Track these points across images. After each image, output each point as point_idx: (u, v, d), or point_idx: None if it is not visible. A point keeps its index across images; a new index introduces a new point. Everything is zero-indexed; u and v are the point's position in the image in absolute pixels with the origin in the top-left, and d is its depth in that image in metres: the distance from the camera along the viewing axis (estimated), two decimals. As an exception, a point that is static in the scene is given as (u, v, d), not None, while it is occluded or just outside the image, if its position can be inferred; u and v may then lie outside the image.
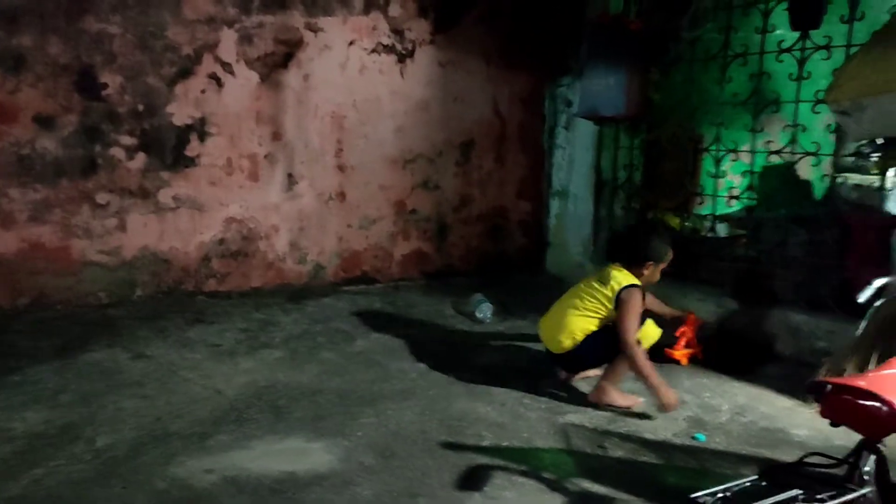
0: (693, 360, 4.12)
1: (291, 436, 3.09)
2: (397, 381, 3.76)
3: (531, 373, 3.92)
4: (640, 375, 3.45)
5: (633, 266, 3.69)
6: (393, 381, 3.75)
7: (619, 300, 3.56)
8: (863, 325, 3.26)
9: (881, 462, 1.88)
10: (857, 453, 1.87)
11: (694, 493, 1.82)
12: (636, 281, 3.63)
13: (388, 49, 5.45)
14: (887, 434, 1.82)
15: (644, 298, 3.66)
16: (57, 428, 3.10)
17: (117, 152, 4.74)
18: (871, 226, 4.06)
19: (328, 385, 3.66)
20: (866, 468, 1.84)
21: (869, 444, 1.86)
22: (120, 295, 4.87)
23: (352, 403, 3.44)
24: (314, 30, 5.18)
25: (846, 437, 3.15)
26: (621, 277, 3.63)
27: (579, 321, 3.65)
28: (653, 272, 3.73)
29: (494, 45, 5.83)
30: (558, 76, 5.93)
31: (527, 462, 2.94)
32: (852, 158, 4.57)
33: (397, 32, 5.48)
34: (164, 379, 3.69)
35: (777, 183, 4.96)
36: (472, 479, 2.78)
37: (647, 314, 3.80)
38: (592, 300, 3.66)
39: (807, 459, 1.85)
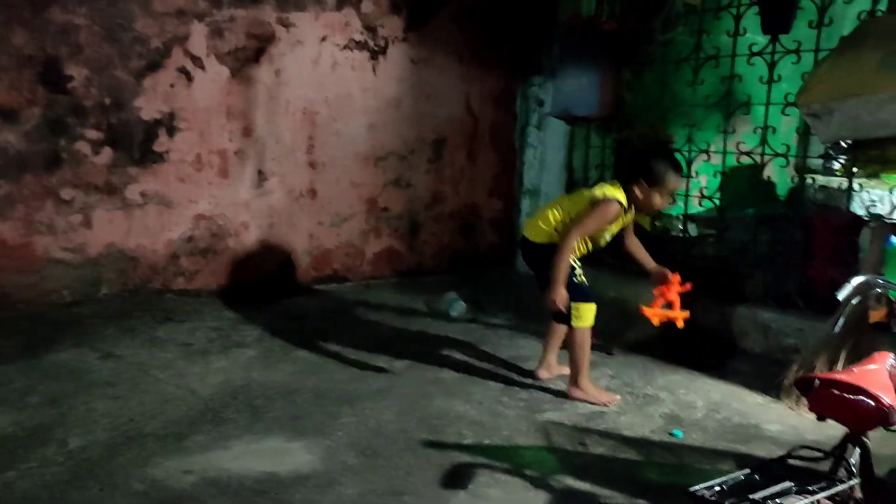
0: (670, 334, 3.78)
1: (270, 435, 3.05)
2: (374, 380, 3.73)
3: (507, 371, 3.93)
4: (553, 269, 3.34)
5: (625, 182, 3.44)
6: (369, 380, 3.73)
7: (592, 205, 3.39)
8: (840, 322, 3.34)
9: (865, 455, 1.92)
10: (842, 446, 1.91)
11: (681, 487, 1.85)
12: (622, 199, 3.41)
13: (361, 45, 5.41)
14: (872, 428, 1.87)
15: (622, 221, 3.51)
16: (27, 430, 3.01)
17: (83, 147, 4.62)
18: (834, 226, 4.16)
19: (304, 384, 3.62)
20: (852, 461, 1.87)
21: (854, 438, 1.90)
22: (84, 293, 4.75)
23: (330, 402, 3.41)
24: (286, 25, 5.11)
25: (816, 431, 3.26)
26: (609, 189, 3.44)
27: (558, 214, 3.52)
28: (647, 196, 3.43)
29: (467, 43, 5.82)
30: (530, 75, 5.96)
31: (509, 460, 2.95)
32: (819, 160, 4.68)
33: (370, 29, 5.44)
34: (135, 379, 3.61)
35: (743, 184, 5.06)
36: (457, 478, 2.77)
37: (627, 259, 3.70)
38: (575, 201, 3.54)
39: (795, 453, 1.87)
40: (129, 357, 3.89)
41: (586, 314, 3.54)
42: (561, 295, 3.37)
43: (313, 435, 3.06)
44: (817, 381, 1.89)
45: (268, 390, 3.52)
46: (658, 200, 3.48)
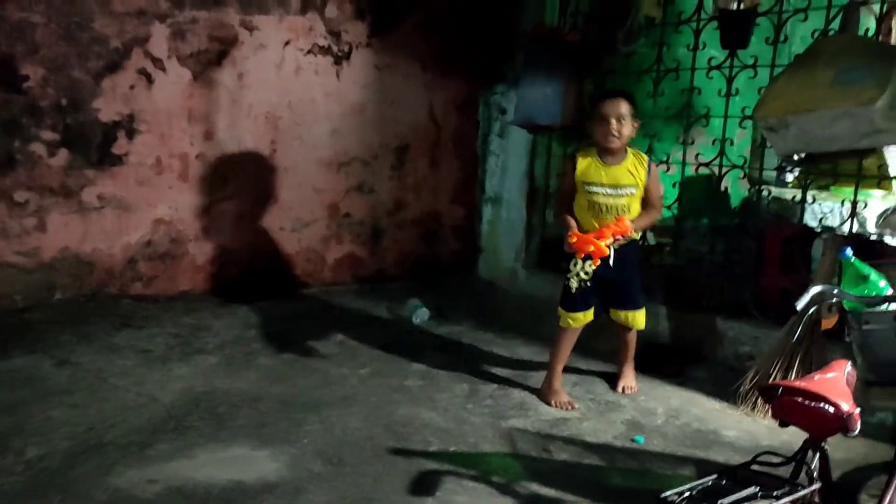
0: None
1: (235, 443, 3.02)
2: (338, 388, 3.72)
3: (471, 377, 3.95)
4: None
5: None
6: (334, 388, 3.71)
7: None
8: (798, 330, 3.44)
9: (824, 460, 1.99)
10: (803, 452, 1.98)
11: (645, 492, 1.90)
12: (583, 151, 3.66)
13: (325, 50, 5.39)
14: (832, 434, 1.94)
15: (592, 174, 3.56)
16: (-19, 439, 2.93)
17: (38, 148, 4.51)
18: (784, 236, 4.29)
19: (269, 391, 3.59)
20: (812, 466, 1.94)
21: (814, 444, 1.97)
22: (38, 298, 4.63)
23: (295, 410, 3.39)
24: (249, 28, 5.07)
25: (771, 437, 3.36)
26: None
27: None
28: (594, 131, 3.62)
29: (431, 50, 5.85)
30: (493, 84, 5.99)
31: (475, 466, 2.97)
32: (773, 172, 4.82)
33: (334, 34, 5.42)
34: (93, 386, 3.54)
35: (699, 194, 5.17)
36: (424, 485, 2.79)
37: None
38: None
39: (759, 459, 1.93)
40: (87, 364, 3.81)
41: (561, 317, 3.77)
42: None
43: (279, 443, 3.04)
44: (780, 389, 1.95)
45: (231, 398, 3.48)
46: (598, 130, 3.58)
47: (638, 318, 3.83)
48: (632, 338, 3.91)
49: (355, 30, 5.51)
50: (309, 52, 5.33)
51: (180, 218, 5.02)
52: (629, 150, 3.66)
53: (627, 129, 3.58)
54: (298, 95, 5.33)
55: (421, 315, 4.87)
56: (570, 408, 3.63)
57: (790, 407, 1.94)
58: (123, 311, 4.69)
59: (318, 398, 3.55)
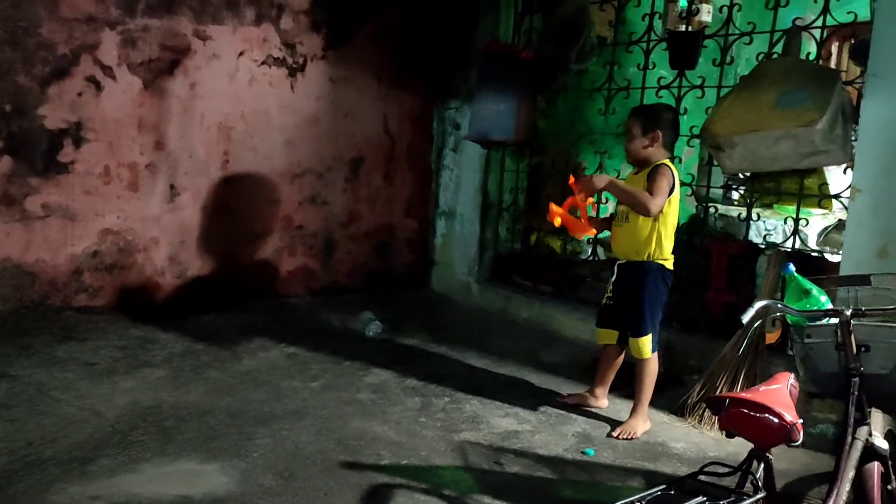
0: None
1: (183, 457, 2.96)
2: (289, 401, 3.67)
3: (424, 390, 3.95)
4: None
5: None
6: (285, 401, 3.67)
7: None
8: (744, 343, 3.53)
9: (769, 470, 2.04)
10: (748, 462, 2.02)
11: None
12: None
13: (279, 62, 5.37)
14: (776, 444, 1.98)
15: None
16: (-89, 456, 2.81)
17: (-21, 155, 4.39)
18: (728, 252, 4.40)
19: (218, 405, 3.52)
20: (758, 475, 1.98)
21: (759, 454, 2.01)
22: (-25, 309, 4.48)
23: (245, 423, 3.33)
24: (203, 38, 5.02)
25: (717, 448, 3.43)
26: None
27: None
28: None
29: (386, 64, 5.87)
30: (447, 99, 6.05)
31: (427, 480, 2.96)
32: (720, 190, 4.95)
33: (289, 46, 5.40)
34: (32, 400, 3.42)
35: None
36: (376, 498, 2.77)
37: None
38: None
39: (706, 469, 1.97)
40: (26, 377, 3.69)
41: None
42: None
43: (228, 457, 2.99)
44: (727, 401, 1.99)
45: (179, 411, 3.40)
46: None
47: (636, 346, 3.59)
48: (638, 370, 3.65)
49: (310, 42, 5.49)
50: (263, 63, 5.30)
51: (129, 228, 4.92)
52: (658, 162, 3.49)
53: (633, 143, 3.56)
54: (252, 106, 5.29)
55: (374, 328, 4.85)
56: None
57: (736, 418, 1.98)
58: (67, 323, 4.56)
59: (268, 411, 3.50)
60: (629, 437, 3.53)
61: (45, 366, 3.86)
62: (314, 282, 5.80)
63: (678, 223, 3.65)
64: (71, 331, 4.43)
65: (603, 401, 3.89)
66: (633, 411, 3.65)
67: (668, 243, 3.53)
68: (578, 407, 3.86)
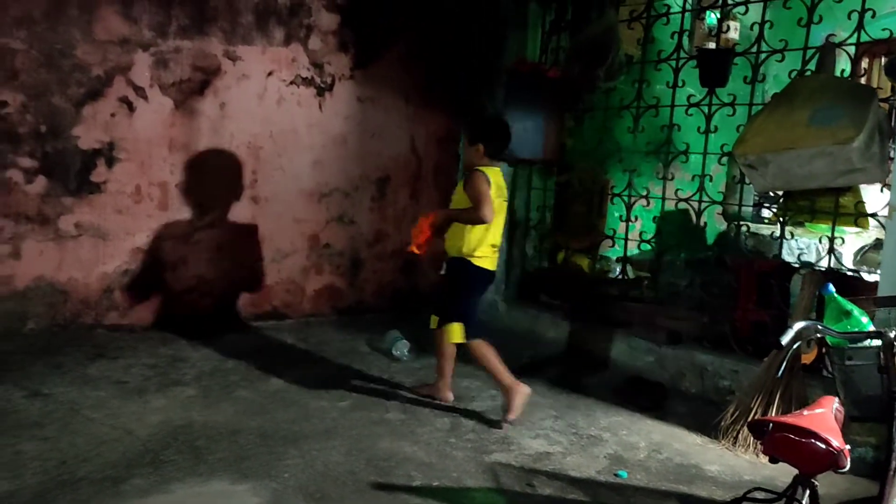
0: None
1: (214, 478, 2.95)
2: (318, 421, 3.66)
3: (453, 411, 3.92)
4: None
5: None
6: (314, 421, 3.66)
7: None
8: (782, 366, 3.46)
9: (814, 496, 1.99)
10: (793, 488, 1.98)
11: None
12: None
13: (308, 82, 5.41)
14: (822, 470, 1.94)
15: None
16: (-53, 474, 2.83)
17: (15, 174, 4.44)
18: (758, 271, 4.35)
19: (248, 424, 3.52)
20: (803, 502, 1.94)
21: (804, 480, 1.97)
22: (9, 328, 4.52)
23: (275, 444, 3.32)
24: (232, 58, 5.07)
25: (753, 472, 3.36)
26: None
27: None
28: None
29: (413, 84, 5.89)
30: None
31: (459, 501, 2.94)
32: (751, 208, 4.90)
33: (317, 66, 5.45)
34: (65, 419, 3.44)
35: (676, 229, 5.24)
36: (408, 521, 2.74)
37: None
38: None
39: (749, 495, 1.92)
40: (59, 396, 3.71)
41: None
42: None
43: (259, 477, 2.98)
44: (770, 425, 1.95)
45: (210, 430, 3.40)
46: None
47: (448, 331, 3.93)
48: (438, 342, 4.04)
49: (338, 62, 5.54)
50: (292, 83, 5.35)
51: (159, 247, 4.95)
52: (475, 169, 3.80)
53: (464, 153, 4.09)
54: (280, 126, 5.33)
55: (401, 347, 4.83)
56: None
57: (781, 443, 1.94)
58: (98, 341, 4.60)
59: (297, 431, 3.49)
60: (511, 420, 3.78)
61: (77, 384, 3.88)
62: (341, 301, 5.81)
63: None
64: (102, 349, 4.46)
65: (449, 394, 4.10)
66: (505, 393, 3.88)
67: (481, 244, 3.83)
68: (431, 399, 4.08)
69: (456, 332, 3.89)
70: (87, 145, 4.64)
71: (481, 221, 3.70)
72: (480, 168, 3.78)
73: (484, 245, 3.83)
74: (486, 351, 3.87)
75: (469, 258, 3.85)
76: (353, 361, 4.68)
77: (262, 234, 5.36)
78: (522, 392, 3.80)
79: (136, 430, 3.36)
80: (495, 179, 3.82)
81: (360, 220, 5.82)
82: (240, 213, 5.25)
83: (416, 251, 3.87)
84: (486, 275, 3.92)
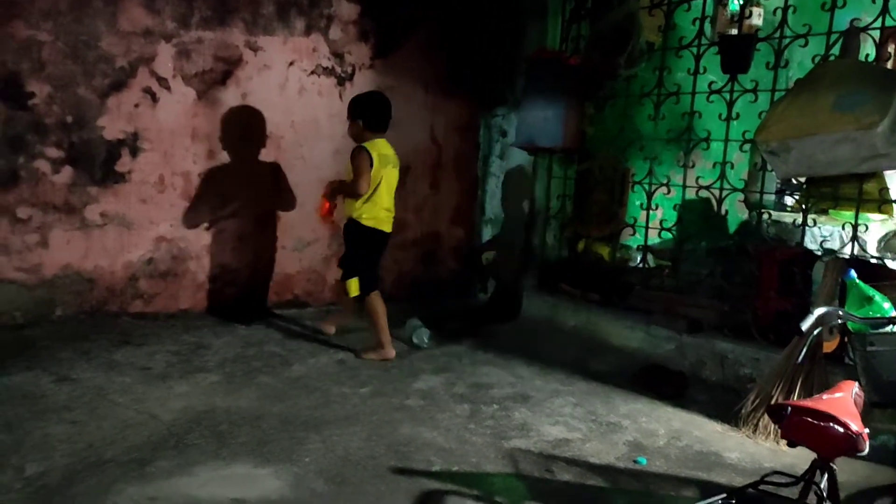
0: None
1: (237, 461, 3.00)
2: (339, 407, 3.70)
3: (472, 397, 3.94)
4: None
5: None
6: (335, 406, 3.70)
7: None
8: (802, 351, 3.44)
9: (833, 480, 1.99)
10: (812, 472, 1.98)
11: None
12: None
13: (328, 71, 5.44)
14: (841, 454, 1.94)
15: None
16: (-21, 455, 2.91)
17: (42, 165, 4.52)
18: (780, 259, 4.31)
19: (270, 410, 3.57)
20: (822, 486, 1.93)
21: (823, 464, 1.96)
22: (38, 315, 4.61)
23: (296, 429, 3.37)
24: (254, 48, 5.11)
25: (773, 459, 3.35)
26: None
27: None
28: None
29: (433, 73, 5.90)
30: (494, 106, 6.06)
31: (478, 487, 2.95)
32: (773, 196, 4.85)
33: (337, 55, 5.47)
34: (92, 403, 3.51)
35: (697, 217, 5.21)
36: (427, 505, 2.77)
37: None
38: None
39: (767, 478, 1.92)
40: (86, 381, 3.79)
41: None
42: None
43: (281, 461, 3.02)
44: (789, 409, 1.95)
45: (232, 416, 3.46)
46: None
47: (347, 285, 4.47)
48: (346, 301, 4.66)
49: (359, 51, 5.56)
50: (312, 72, 5.38)
51: (182, 236, 5.02)
52: (358, 146, 4.33)
53: (349, 129, 4.45)
54: (301, 115, 5.36)
55: (421, 335, 4.86)
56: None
57: (799, 427, 1.94)
58: (123, 328, 4.68)
59: (319, 417, 3.53)
60: (368, 359, 4.46)
61: (103, 370, 3.96)
62: (361, 289, 5.83)
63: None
64: (128, 336, 4.54)
65: (331, 328, 4.91)
66: (337, 317, 4.86)
67: (372, 206, 4.36)
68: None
69: (353, 287, 4.43)
70: (111, 136, 4.70)
71: (357, 194, 4.27)
72: (364, 144, 4.29)
73: (375, 208, 4.36)
74: (377, 305, 4.47)
75: (359, 220, 4.38)
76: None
77: (284, 222, 5.41)
78: (386, 354, 4.49)
79: (160, 414, 3.42)
80: (379, 151, 4.32)
81: (381, 210, 5.84)
82: (261, 202, 5.30)
83: (321, 217, 4.53)
84: (377, 235, 4.46)
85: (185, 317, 5.01)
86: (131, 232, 4.84)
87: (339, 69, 5.49)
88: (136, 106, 4.75)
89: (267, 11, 5.12)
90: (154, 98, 4.81)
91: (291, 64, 5.29)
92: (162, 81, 4.82)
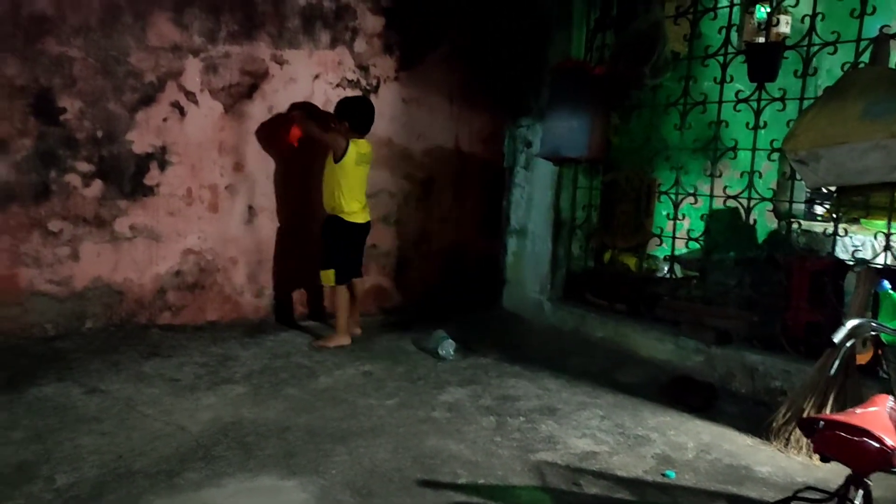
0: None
1: (264, 473, 3.01)
2: (365, 418, 3.70)
3: (499, 410, 3.92)
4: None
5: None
6: (361, 418, 3.70)
7: None
8: (835, 364, 3.38)
9: (868, 496, 1.95)
10: (846, 487, 1.94)
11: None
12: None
13: (353, 84, 5.47)
14: (875, 469, 1.89)
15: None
16: (11, 466, 2.95)
17: (73, 179, 4.59)
18: (811, 269, 4.24)
19: (296, 422, 3.58)
20: (856, 502, 1.89)
21: (857, 479, 1.92)
22: (68, 327, 4.68)
23: (322, 440, 3.38)
24: (280, 62, 5.16)
25: (805, 473, 3.29)
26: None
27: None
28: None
29: (457, 84, 5.92)
30: (518, 117, 6.04)
31: (504, 500, 2.94)
32: (802, 205, 4.78)
33: (362, 68, 5.51)
34: (122, 415, 3.55)
35: (725, 227, 5.15)
36: (454, 518, 2.75)
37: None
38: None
39: (800, 494, 1.89)
40: (115, 392, 3.83)
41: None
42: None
43: (308, 473, 3.03)
44: (821, 423, 1.91)
45: (259, 427, 3.47)
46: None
47: (323, 276, 4.91)
48: (331, 297, 5.10)
49: (383, 64, 5.59)
50: (338, 85, 5.41)
51: (209, 248, 5.08)
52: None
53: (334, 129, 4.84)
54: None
55: (447, 346, 4.84)
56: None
57: (832, 441, 1.90)
58: (152, 340, 4.73)
59: (345, 429, 3.54)
60: (319, 347, 4.82)
61: (132, 381, 4.00)
62: (387, 300, 5.86)
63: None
64: (156, 348, 4.58)
65: (356, 329, 5.20)
66: (335, 329, 4.98)
67: (350, 202, 4.80)
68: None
69: (329, 277, 4.86)
70: (140, 149, 4.77)
71: (331, 145, 4.77)
72: (350, 140, 4.74)
73: (353, 203, 4.80)
74: (343, 297, 4.92)
75: (340, 216, 4.79)
76: (400, 360, 4.72)
77: (310, 234, 5.43)
78: (342, 341, 4.89)
79: (188, 426, 3.45)
80: (360, 150, 4.80)
81: (406, 221, 5.87)
82: (287, 214, 5.33)
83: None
84: (356, 228, 4.88)
85: (212, 328, 5.06)
86: (159, 244, 4.90)
87: (364, 82, 5.52)
88: (165, 120, 4.82)
89: (293, 25, 5.18)
90: (182, 112, 4.87)
91: (317, 77, 5.33)
92: (190, 95, 4.88)
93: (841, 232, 4.19)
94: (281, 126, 5.03)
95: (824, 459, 2.00)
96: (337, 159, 4.74)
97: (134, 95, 4.71)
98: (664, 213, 5.19)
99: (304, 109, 5.16)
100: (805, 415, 3.48)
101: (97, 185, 4.66)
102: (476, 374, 4.53)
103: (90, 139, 4.61)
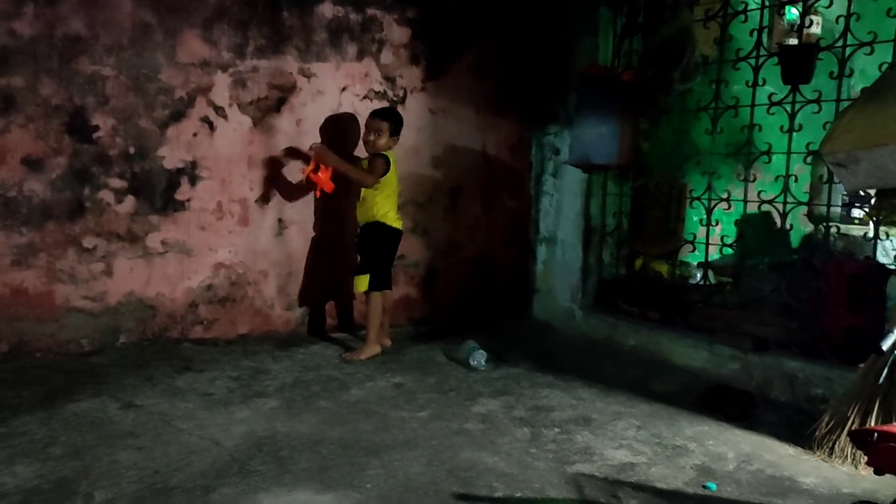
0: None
1: (299, 488, 3.00)
2: (398, 431, 3.68)
3: (533, 421, 3.88)
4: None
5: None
6: (394, 431, 3.68)
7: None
8: (883, 373, 3.30)
9: (924, 511, 1.88)
10: (901, 502, 1.87)
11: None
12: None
13: (380, 95, 5.48)
14: (932, 483, 1.83)
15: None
16: (51, 483, 2.96)
17: (106, 195, 4.65)
18: (848, 273, 4.14)
19: (329, 435, 3.57)
20: (912, 517, 1.83)
21: (913, 493, 1.86)
22: (103, 342, 4.72)
23: (356, 454, 3.36)
24: (307, 75, 5.19)
25: (853, 485, 3.20)
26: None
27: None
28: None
29: (484, 93, 5.91)
30: (546, 124, 6.02)
31: (543, 513, 2.89)
32: (838, 209, 4.69)
33: (389, 79, 5.52)
34: (157, 429, 3.56)
35: (759, 231, 5.06)
36: (492, 533, 2.71)
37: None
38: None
39: (853, 509, 1.83)
40: (150, 407, 3.85)
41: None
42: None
43: (343, 487, 3.01)
44: (875, 435, 1.85)
45: (293, 441, 3.47)
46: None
47: (357, 282, 4.84)
48: (367, 305, 4.91)
49: (410, 75, 5.59)
50: (365, 97, 5.43)
51: (240, 262, 5.10)
52: (383, 154, 4.76)
53: (380, 140, 4.74)
54: (355, 140, 5.40)
55: (478, 357, 4.81)
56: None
57: (888, 454, 1.83)
58: (184, 354, 4.76)
59: (378, 441, 3.52)
60: (351, 360, 4.77)
61: (166, 396, 4.02)
62: (416, 311, 5.84)
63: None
64: (189, 362, 4.61)
65: (387, 340, 5.14)
66: (365, 339, 4.90)
67: (392, 209, 4.85)
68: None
69: (363, 283, 4.80)
70: (171, 165, 4.81)
71: (366, 184, 4.71)
72: (385, 153, 4.75)
73: (394, 210, 4.85)
74: (377, 303, 4.84)
75: (385, 222, 4.80)
76: (431, 372, 4.69)
77: (339, 246, 5.44)
78: (373, 350, 4.85)
79: (222, 440, 3.45)
80: (394, 158, 4.82)
81: (434, 231, 5.85)
82: (317, 226, 5.35)
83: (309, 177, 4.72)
84: (398, 234, 4.92)
85: (243, 342, 5.08)
86: (191, 259, 4.93)
87: (391, 93, 5.53)
88: (195, 135, 4.86)
89: (319, 38, 5.20)
90: (211, 127, 4.91)
91: (344, 89, 5.35)
92: (219, 110, 4.92)
93: (881, 235, 4.09)
94: (302, 169, 4.95)
95: (878, 472, 1.93)
96: (380, 177, 4.72)
97: (164, 112, 4.76)
98: (696, 218, 5.12)
99: (323, 142, 5.09)
100: (849, 423, 3.40)
101: (130, 201, 4.71)
102: (508, 385, 4.49)
103: (122, 156, 4.66)
